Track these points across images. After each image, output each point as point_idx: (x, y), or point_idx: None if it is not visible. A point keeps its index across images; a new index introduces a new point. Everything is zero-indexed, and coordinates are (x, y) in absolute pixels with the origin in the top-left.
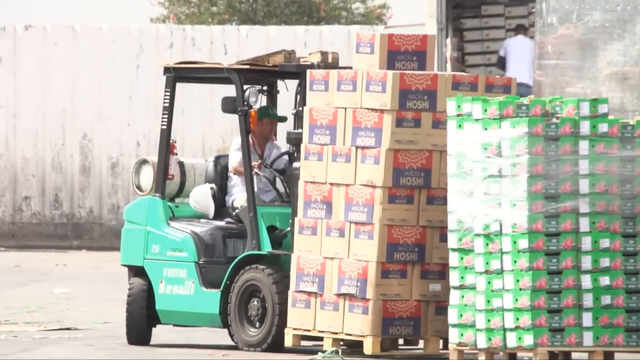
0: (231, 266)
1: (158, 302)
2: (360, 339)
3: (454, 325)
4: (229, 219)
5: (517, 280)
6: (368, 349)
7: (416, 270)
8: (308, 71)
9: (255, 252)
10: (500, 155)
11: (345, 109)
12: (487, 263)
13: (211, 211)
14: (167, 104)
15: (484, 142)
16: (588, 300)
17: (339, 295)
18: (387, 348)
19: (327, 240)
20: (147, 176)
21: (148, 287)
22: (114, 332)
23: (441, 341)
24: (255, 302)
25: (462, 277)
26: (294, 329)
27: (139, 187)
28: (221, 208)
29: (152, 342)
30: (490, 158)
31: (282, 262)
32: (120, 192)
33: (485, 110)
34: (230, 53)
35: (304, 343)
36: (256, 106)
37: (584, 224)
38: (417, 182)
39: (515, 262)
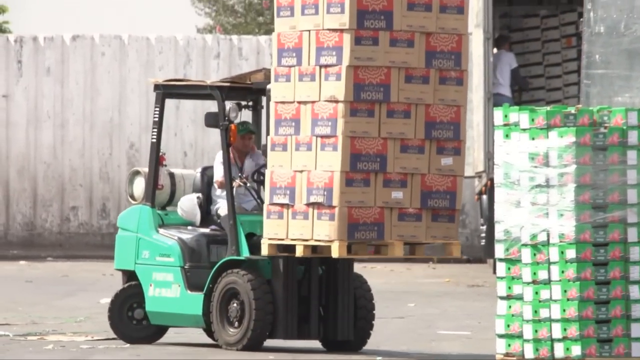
0: (213, 270)
1: (147, 304)
2: (327, 244)
3: (502, 336)
4: (214, 227)
5: (565, 291)
6: (335, 252)
7: (379, 179)
8: None
9: (235, 257)
10: (548, 165)
11: (309, 31)
12: (535, 273)
13: (197, 219)
14: (156, 119)
15: (531, 152)
16: (637, 310)
17: (308, 204)
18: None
19: (297, 155)
20: (139, 186)
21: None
22: (160, 342)
23: (407, 246)
24: (235, 304)
25: (510, 288)
26: (269, 239)
27: (132, 197)
28: (207, 216)
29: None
30: (538, 168)
31: (260, 266)
32: None
33: (533, 119)
34: None
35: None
36: (237, 121)
37: (632, 234)
38: (377, 97)
39: (562, 272)
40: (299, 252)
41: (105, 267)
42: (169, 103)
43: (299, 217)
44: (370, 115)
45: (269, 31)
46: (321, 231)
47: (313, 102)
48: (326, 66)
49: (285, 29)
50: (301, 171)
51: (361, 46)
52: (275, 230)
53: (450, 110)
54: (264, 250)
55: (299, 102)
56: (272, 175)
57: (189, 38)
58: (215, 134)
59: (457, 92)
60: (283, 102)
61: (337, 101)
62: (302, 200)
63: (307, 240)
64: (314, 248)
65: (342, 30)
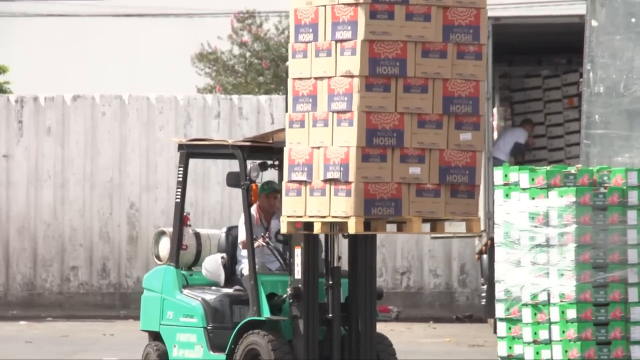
0: (234, 331)
1: None
2: (344, 220)
3: None
4: (237, 287)
5: (566, 351)
6: (352, 228)
7: (396, 154)
8: None
9: (256, 318)
10: (548, 225)
11: (325, 6)
12: (535, 333)
13: (222, 279)
14: (180, 179)
15: (531, 212)
16: None
17: (325, 181)
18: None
19: (314, 131)
20: (165, 246)
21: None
22: None
23: (428, 224)
24: None
25: (510, 347)
26: (288, 216)
27: (157, 257)
28: (231, 276)
29: None
30: (538, 227)
31: (281, 327)
32: None
33: (533, 179)
34: (277, 122)
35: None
36: (258, 180)
37: (633, 294)
38: (392, 71)
39: (563, 332)
40: (317, 229)
41: (106, 327)
42: (171, 162)
43: (317, 194)
44: (386, 90)
45: (268, 91)
46: (338, 207)
47: (329, 77)
48: (342, 41)
49: (302, 4)
50: (318, 147)
51: (376, 20)
52: (294, 208)
53: (468, 84)
54: (283, 228)
55: (316, 78)
56: (290, 153)
57: (189, 98)
58: (215, 194)
59: (475, 67)
60: (300, 79)
61: (352, 76)
62: (319, 177)
63: (324, 216)
64: (332, 225)
65: (357, 4)
